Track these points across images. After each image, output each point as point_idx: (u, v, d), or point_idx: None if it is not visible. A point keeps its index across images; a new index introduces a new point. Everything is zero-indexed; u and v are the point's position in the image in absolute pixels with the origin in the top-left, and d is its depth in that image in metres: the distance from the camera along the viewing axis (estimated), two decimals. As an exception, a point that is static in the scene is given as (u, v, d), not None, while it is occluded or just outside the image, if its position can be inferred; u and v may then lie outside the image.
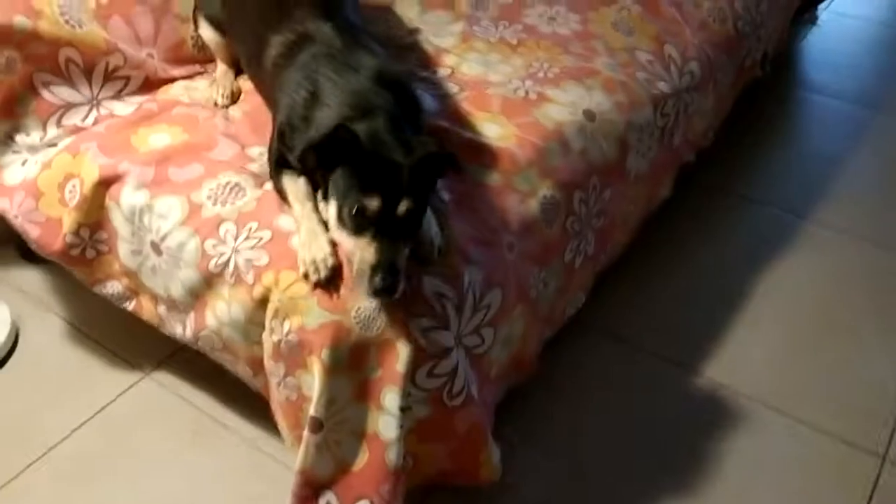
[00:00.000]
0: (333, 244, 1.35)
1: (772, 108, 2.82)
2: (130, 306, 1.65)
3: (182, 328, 1.56)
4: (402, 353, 1.32)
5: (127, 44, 1.71)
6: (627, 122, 1.77)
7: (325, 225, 1.37)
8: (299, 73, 1.45)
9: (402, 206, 1.27)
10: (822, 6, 3.20)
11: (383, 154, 1.29)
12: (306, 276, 1.32)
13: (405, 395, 1.33)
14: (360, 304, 1.32)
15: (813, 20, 3.25)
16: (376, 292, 1.26)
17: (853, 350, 1.94)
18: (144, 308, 1.63)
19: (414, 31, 1.88)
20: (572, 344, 1.90)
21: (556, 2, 2.01)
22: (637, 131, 1.79)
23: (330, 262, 1.32)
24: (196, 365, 1.80)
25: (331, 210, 1.33)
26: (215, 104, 1.70)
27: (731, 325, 2.00)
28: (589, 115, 1.70)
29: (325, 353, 1.31)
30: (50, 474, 1.67)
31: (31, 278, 2.11)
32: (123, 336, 1.92)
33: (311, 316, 1.32)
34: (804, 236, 2.26)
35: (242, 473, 1.66)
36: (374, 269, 1.25)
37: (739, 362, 1.90)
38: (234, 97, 1.72)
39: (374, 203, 1.26)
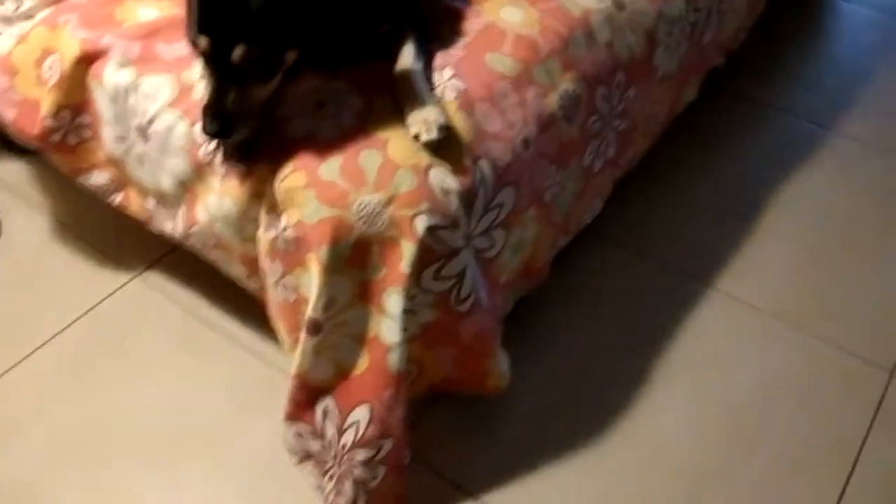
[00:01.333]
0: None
1: (803, 15, 2.66)
2: (117, 199, 1.54)
3: (172, 224, 1.45)
4: (406, 252, 1.21)
5: None
6: (658, 14, 1.62)
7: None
8: None
9: (237, 52, 1.15)
10: None
11: None
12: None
13: (409, 297, 1.23)
14: (362, 197, 1.20)
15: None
16: (206, 135, 1.20)
17: (872, 265, 1.86)
18: (132, 202, 1.52)
19: None
20: (585, 253, 1.80)
21: None
22: (668, 24, 1.65)
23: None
24: (188, 266, 1.71)
25: None
26: None
27: (749, 237, 1.91)
28: (618, 3, 1.56)
29: (323, 251, 1.20)
30: (37, 374, 1.59)
31: (14, 171, 1.99)
32: (112, 235, 1.82)
33: (309, 210, 1.21)
34: (829, 148, 2.15)
35: (236, 378, 1.58)
36: (205, 111, 1.18)
37: (755, 275, 1.82)
38: None
39: (202, 42, 1.16)
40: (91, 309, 1.70)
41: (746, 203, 1.98)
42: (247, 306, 1.56)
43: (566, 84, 1.44)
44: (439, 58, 1.36)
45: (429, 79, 1.31)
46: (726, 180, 2.04)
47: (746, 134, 2.17)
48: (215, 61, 1.16)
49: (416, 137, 1.23)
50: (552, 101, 1.41)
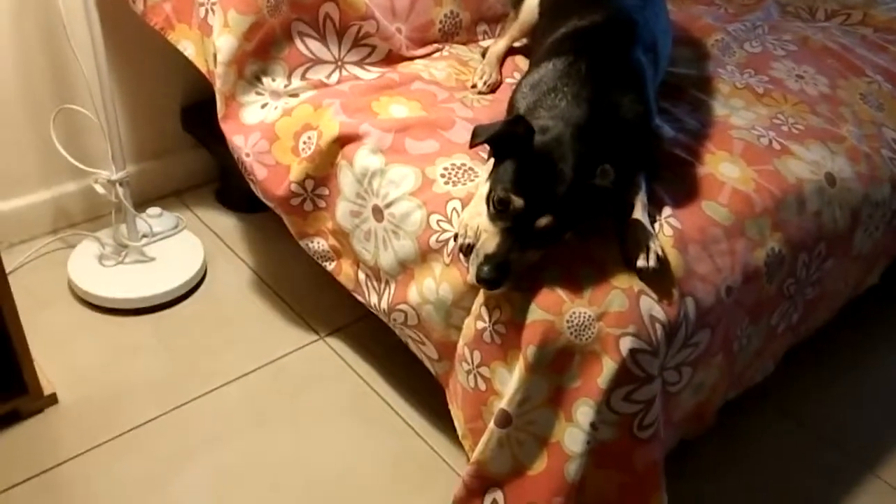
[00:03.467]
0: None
1: None
2: (330, 266, 1.67)
3: (378, 297, 1.56)
4: (606, 368, 1.28)
5: (382, 13, 1.75)
6: (865, 196, 1.67)
7: None
8: (553, 63, 1.46)
9: (543, 220, 1.25)
10: None
11: (551, 161, 1.27)
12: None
13: (599, 411, 1.29)
14: (576, 308, 1.28)
15: None
16: (478, 279, 1.27)
17: None
18: (343, 271, 1.65)
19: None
20: (748, 412, 1.81)
21: (803, 61, 1.94)
22: (871, 207, 1.69)
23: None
24: (369, 338, 1.84)
25: (482, 188, 1.35)
26: (473, 86, 1.71)
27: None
28: (830, 178, 1.62)
29: (531, 350, 1.28)
30: (215, 410, 1.71)
31: (225, 223, 2.20)
32: (304, 297, 1.97)
33: (523, 311, 1.30)
34: None
35: (396, 452, 1.66)
36: (487, 258, 1.25)
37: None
38: (494, 87, 1.73)
39: (518, 202, 1.25)
40: (275, 360, 1.83)
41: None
42: (417, 387, 1.64)
43: (774, 243, 1.50)
44: (661, 197, 1.46)
45: (651, 214, 1.40)
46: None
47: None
48: (520, 221, 1.26)
49: (634, 263, 1.31)
50: (759, 256, 1.47)
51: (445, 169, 1.48)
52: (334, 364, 1.82)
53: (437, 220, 1.43)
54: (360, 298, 1.63)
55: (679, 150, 1.58)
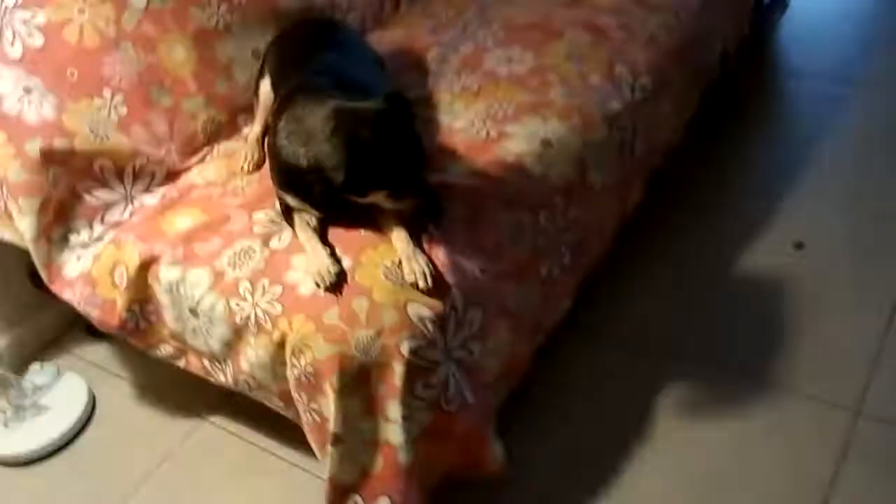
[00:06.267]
0: (333, 255, 1.66)
1: (749, 99, 3.00)
2: (181, 363, 1.94)
3: (224, 376, 1.84)
4: (397, 370, 1.58)
5: (147, 145, 2.02)
6: (583, 143, 1.98)
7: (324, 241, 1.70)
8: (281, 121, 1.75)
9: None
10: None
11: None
12: (318, 286, 1.62)
13: (406, 404, 1.59)
14: (358, 334, 1.58)
15: (784, 6, 3.32)
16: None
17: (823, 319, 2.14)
18: (192, 363, 1.92)
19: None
20: (562, 344, 2.09)
21: (511, 43, 2.23)
22: (594, 149, 2.00)
23: (333, 269, 1.62)
24: (242, 406, 2.09)
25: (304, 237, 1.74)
26: (242, 169, 2.01)
27: (714, 310, 2.22)
28: (546, 143, 1.92)
29: (334, 379, 1.58)
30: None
31: (99, 351, 2.45)
32: (179, 388, 2.22)
33: (319, 350, 1.59)
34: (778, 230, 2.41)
35: (291, 491, 1.95)
36: None
37: (718, 344, 2.11)
38: (259, 164, 2.01)
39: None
40: (172, 453, 2.10)
41: (708, 284, 2.30)
42: (290, 431, 1.91)
43: (509, 217, 1.81)
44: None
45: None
46: (684, 267, 2.36)
47: (697, 220, 2.49)
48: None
49: (414, 284, 1.61)
50: (499, 232, 1.78)
51: (229, 257, 1.76)
52: (221, 437, 2.11)
53: (236, 303, 1.71)
54: (213, 381, 1.91)
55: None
